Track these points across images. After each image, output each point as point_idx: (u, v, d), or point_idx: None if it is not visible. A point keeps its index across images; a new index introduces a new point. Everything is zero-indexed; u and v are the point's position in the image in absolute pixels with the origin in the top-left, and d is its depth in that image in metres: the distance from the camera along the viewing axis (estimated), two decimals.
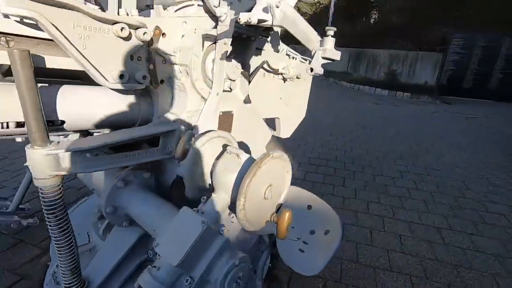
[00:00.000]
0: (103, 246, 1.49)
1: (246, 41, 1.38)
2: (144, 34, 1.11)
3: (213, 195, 0.98)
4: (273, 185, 0.95)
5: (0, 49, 0.87)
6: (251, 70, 1.58)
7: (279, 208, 1.03)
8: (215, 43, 1.30)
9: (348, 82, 13.59)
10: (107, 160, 1.14)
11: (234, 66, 1.34)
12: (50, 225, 1.08)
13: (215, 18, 1.28)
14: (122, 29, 1.05)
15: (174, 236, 0.88)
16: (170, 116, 1.32)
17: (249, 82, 1.57)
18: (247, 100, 1.54)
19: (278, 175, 0.98)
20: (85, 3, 0.97)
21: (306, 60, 1.84)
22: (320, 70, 1.01)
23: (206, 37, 1.28)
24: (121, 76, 1.09)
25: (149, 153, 1.25)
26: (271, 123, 1.89)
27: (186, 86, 1.30)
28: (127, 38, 1.10)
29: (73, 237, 1.16)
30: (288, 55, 1.77)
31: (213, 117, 1.35)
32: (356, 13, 17.45)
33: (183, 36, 1.29)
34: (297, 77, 1.88)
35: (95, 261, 1.43)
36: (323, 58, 0.99)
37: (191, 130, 1.17)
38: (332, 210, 1.33)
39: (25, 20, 0.90)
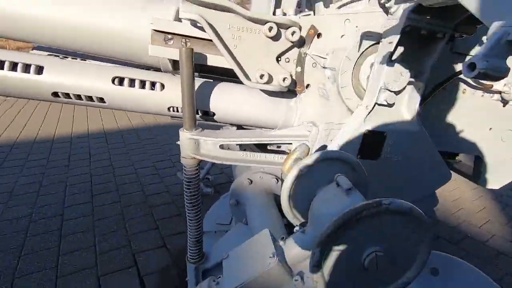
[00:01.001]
0: (229, 233, 1.61)
1: (427, 41, 0.99)
2: (293, 34, 1.04)
3: (306, 228, 0.77)
4: (386, 253, 0.60)
5: (173, 47, 1.07)
6: (437, 81, 1.14)
7: None
8: (377, 43, 1.02)
9: None
10: (237, 156, 1.18)
11: (398, 73, 0.99)
12: (185, 198, 1.26)
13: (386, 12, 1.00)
14: (270, 28, 1.02)
15: (242, 258, 0.76)
16: (308, 124, 1.18)
17: (426, 98, 1.14)
18: (416, 122, 1.13)
19: (398, 241, 0.61)
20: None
21: None
22: None
23: (366, 35, 1.02)
24: (261, 76, 1.08)
25: (276, 159, 1.18)
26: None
27: (330, 93, 1.12)
28: (276, 38, 1.07)
29: (200, 213, 1.31)
30: None
31: (355, 134, 1.08)
32: None
33: (342, 36, 1.10)
34: None
35: (219, 242, 1.57)
36: None
37: (306, 144, 0.98)
38: None
39: (193, 23, 1.05)
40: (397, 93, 1.03)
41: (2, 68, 1.06)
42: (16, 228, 2.33)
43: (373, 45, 1.04)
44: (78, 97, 1.17)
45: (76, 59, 1.26)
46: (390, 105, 1.06)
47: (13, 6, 0.98)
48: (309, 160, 0.78)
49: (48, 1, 1.00)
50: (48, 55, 1.25)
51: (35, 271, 1.89)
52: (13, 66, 1.08)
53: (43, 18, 1.01)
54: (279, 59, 1.12)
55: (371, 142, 1.10)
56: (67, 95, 1.15)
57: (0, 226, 2.34)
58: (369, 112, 1.06)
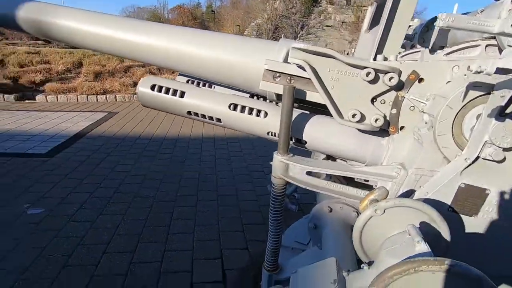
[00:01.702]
0: (304, 252, 1.70)
1: None
2: (390, 79, 1.09)
3: (371, 267, 0.81)
4: None
5: (279, 83, 1.28)
6: None
7: None
8: (488, 93, 0.96)
9: None
10: (321, 184, 1.29)
11: (509, 130, 0.92)
12: (270, 212, 1.45)
13: None
14: (368, 74, 1.11)
15: (307, 277, 0.86)
16: (397, 166, 1.19)
17: None
18: None
19: None
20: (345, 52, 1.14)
21: None
22: None
23: (474, 85, 0.98)
24: (353, 116, 1.17)
25: (359, 193, 1.23)
26: None
27: (425, 138, 1.10)
28: (373, 82, 1.14)
29: (281, 228, 1.46)
30: None
31: (450, 185, 1.04)
32: None
33: (448, 82, 1.08)
34: None
35: (294, 259, 1.68)
36: None
37: (386, 188, 0.99)
38: None
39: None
40: (506, 149, 0.94)
41: (160, 92, 1.49)
42: (144, 204, 3.03)
43: (482, 96, 0.99)
44: (203, 116, 1.51)
45: (205, 84, 1.64)
46: (498, 161, 0.98)
47: (185, 48, 1.38)
48: (384, 203, 0.83)
49: (201, 44, 1.37)
50: (187, 80, 1.67)
51: (151, 241, 2.44)
52: (166, 91, 1.50)
53: (196, 56, 1.39)
54: (375, 100, 1.18)
55: (468, 197, 1.02)
56: (196, 114, 1.52)
57: (135, 200, 3.09)
58: (469, 165, 1.00)
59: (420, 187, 1.10)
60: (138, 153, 4.47)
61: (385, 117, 1.17)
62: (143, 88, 1.41)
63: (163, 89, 1.52)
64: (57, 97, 7.99)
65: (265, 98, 1.50)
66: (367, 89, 1.17)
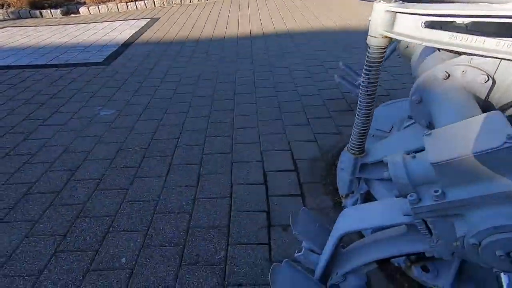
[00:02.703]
0: (394, 135, 1.50)
1: None
2: None
3: None
4: None
5: None
6: None
7: None
8: None
9: None
10: (446, 39, 0.95)
11: None
12: (362, 85, 1.19)
13: None
14: None
15: (456, 133, 0.66)
16: None
17: None
18: None
19: None
20: None
21: None
22: None
23: None
24: None
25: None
26: None
27: None
28: None
29: (373, 104, 1.23)
30: None
31: None
32: None
33: None
34: None
35: (383, 143, 1.50)
36: None
37: None
38: None
39: None
40: None
41: None
42: (205, 103, 3.00)
43: None
44: None
45: None
46: None
47: None
48: None
49: None
50: None
51: (217, 135, 2.46)
52: None
53: None
54: None
55: None
56: None
57: (194, 100, 3.07)
58: None
59: None
60: (188, 56, 4.30)
61: None
62: None
63: None
64: (98, 8, 7.76)
65: None
66: None
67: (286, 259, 1.10)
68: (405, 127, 1.70)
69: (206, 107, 2.91)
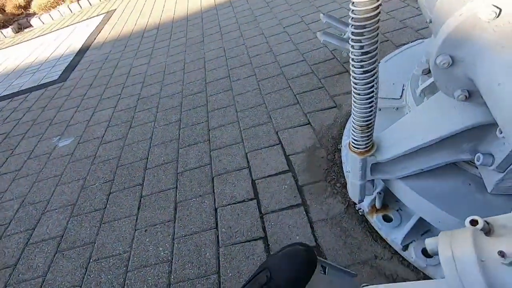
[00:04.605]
0: (413, 113, 1.04)
1: None
2: None
3: None
4: None
5: None
6: None
7: None
8: None
9: None
10: None
11: None
12: (352, 58, 0.73)
13: None
14: None
15: None
16: None
17: None
18: None
19: None
20: None
21: None
22: None
23: None
24: None
25: None
26: None
27: None
28: None
29: (374, 86, 0.77)
30: None
31: None
32: None
33: None
34: None
35: (396, 126, 1.05)
36: None
37: None
38: None
39: None
40: None
41: None
42: (173, 103, 2.54)
43: None
44: None
45: None
46: None
47: None
48: None
49: None
50: None
51: (193, 142, 2.04)
52: None
53: None
54: None
55: None
56: None
57: (161, 102, 2.61)
58: None
59: None
60: (149, 48, 3.74)
61: None
62: None
63: None
64: (50, 16, 7.05)
65: None
66: None
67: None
68: (422, 91, 1.22)
69: (175, 109, 2.45)
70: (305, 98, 2.09)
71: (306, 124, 1.88)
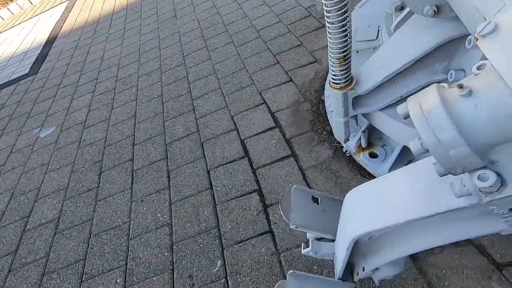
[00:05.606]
0: (386, 43, 1.06)
1: None
2: None
3: None
4: None
5: None
6: None
7: None
8: None
9: None
10: None
11: None
12: None
13: None
14: None
15: None
16: None
17: None
18: None
19: None
20: None
21: None
22: None
23: None
24: None
25: None
26: None
27: None
28: None
29: (348, 15, 0.78)
30: None
31: None
32: None
33: None
34: None
35: (372, 59, 1.07)
36: None
37: None
38: None
39: None
40: None
41: None
42: (153, 80, 2.49)
43: None
44: None
45: None
46: None
47: None
48: None
49: None
50: None
51: (178, 113, 2.02)
52: None
53: None
54: None
55: None
56: None
57: (140, 80, 2.55)
58: None
59: None
60: (121, 29, 3.60)
61: None
62: None
63: None
64: (10, 10, 6.62)
65: None
66: None
67: (291, 271, 0.78)
68: (396, 25, 1.24)
69: (156, 85, 2.41)
70: (284, 57, 2.08)
71: (289, 81, 1.89)
